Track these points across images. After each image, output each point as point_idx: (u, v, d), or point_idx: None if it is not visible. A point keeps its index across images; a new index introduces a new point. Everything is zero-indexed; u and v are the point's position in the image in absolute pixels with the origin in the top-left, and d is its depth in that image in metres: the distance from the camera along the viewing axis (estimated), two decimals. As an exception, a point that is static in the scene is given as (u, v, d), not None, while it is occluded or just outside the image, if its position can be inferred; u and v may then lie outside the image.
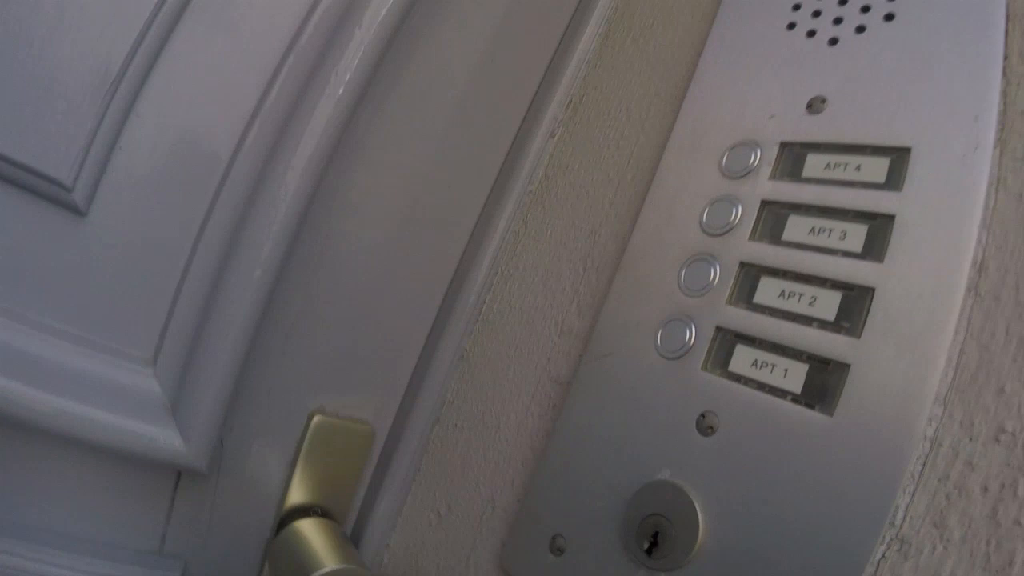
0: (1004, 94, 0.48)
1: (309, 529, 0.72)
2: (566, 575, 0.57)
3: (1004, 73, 0.48)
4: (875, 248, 0.48)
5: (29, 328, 0.59)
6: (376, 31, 0.66)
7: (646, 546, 0.51)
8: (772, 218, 0.54)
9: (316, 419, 0.74)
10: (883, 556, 0.44)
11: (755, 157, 0.55)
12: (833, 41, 0.56)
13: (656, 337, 0.56)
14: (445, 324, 0.79)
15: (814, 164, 0.53)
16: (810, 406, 0.47)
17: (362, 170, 0.71)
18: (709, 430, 0.51)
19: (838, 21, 0.56)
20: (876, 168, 0.49)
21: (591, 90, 0.79)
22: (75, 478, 0.64)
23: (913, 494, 0.44)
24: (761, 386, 0.49)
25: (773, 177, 0.54)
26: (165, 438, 0.63)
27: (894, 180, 0.48)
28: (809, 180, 0.52)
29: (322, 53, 0.66)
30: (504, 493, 0.68)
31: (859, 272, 0.48)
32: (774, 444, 0.48)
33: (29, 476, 0.63)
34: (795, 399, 0.47)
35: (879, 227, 0.48)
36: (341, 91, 0.65)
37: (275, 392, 0.71)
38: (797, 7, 0.59)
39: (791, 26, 0.59)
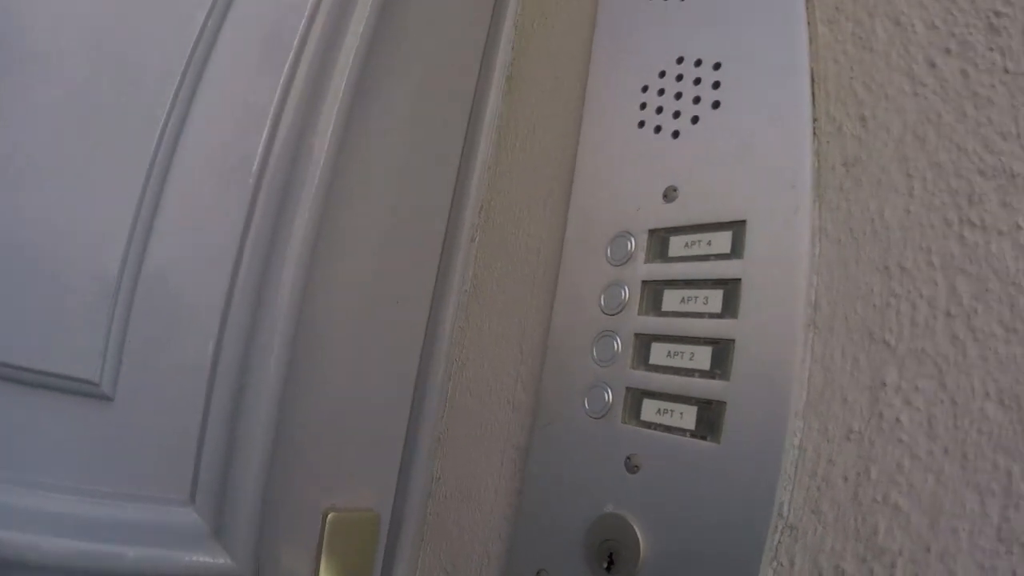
0: (817, 153, 0.54)
1: None
2: None
3: (815, 134, 0.54)
4: (730, 307, 0.55)
5: (86, 497, 0.67)
6: (320, 180, 0.76)
7: (605, 565, 0.59)
8: (651, 294, 0.61)
9: (330, 516, 0.81)
10: (779, 541, 0.51)
11: (631, 245, 0.63)
12: (675, 134, 0.62)
13: (584, 402, 0.64)
14: (420, 414, 0.86)
15: (676, 244, 0.60)
16: (703, 438, 0.55)
17: (323, 299, 0.79)
18: (635, 468, 0.59)
19: (676, 115, 0.63)
20: (722, 241, 0.56)
21: (496, 194, 0.86)
22: None
23: (792, 491, 0.51)
24: (666, 428, 0.57)
25: (647, 260, 0.62)
26: (215, 559, 0.71)
27: (737, 249, 0.55)
28: (674, 259, 0.60)
29: (280, 204, 0.74)
30: (495, 544, 0.75)
31: (721, 328, 0.55)
32: (682, 472, 0.56)
33: None
34: (692, 434, 0.56)
35: (731, 289, 0.55)
36: (300, 250, 0.75)
37: (294, 502, 0.78)
38: (644, 105, 0.66)
39: (641, 124, 0.66)
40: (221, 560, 0.72)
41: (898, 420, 0.47)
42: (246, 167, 0.74)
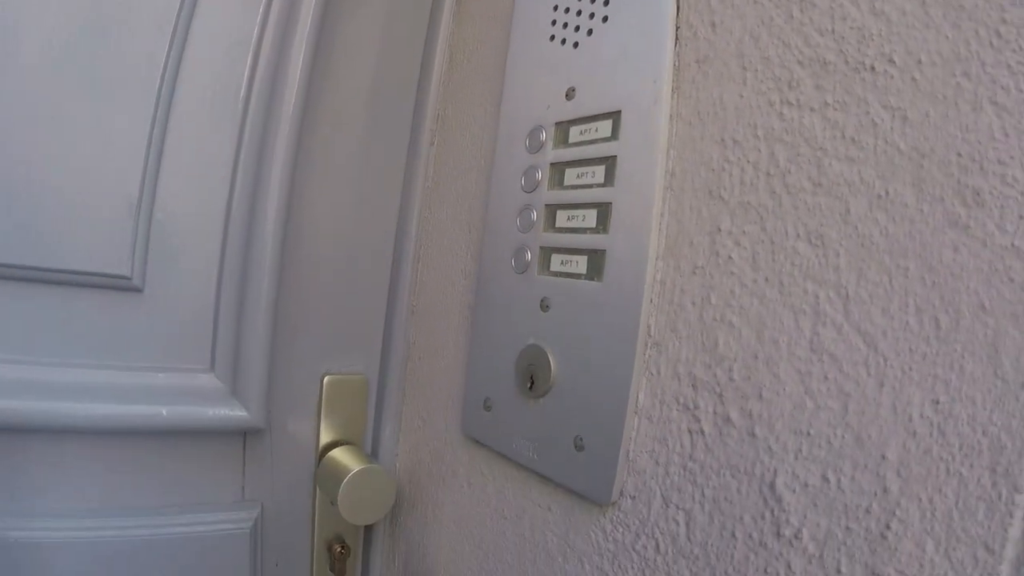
0: (677, 54, 0.58)
1: (340, 454, 0.88)
2: (496, 420, 0.73)
3: (677, 38, 0.58)
4: (610, 178, 0.60)
5: (125, 371, 0.77)
6: (296, 100, 0.83)
7: (529, 385, 0.67)
8: (557, 174, 0.67)
9: (327, 379, 0.91)
10: (648, 356, 0.58)
11: (543, 136, 0.69)
12: (575, 44, 0.66)
13: (511, 261, 0.72)
14: (396, 291, 0.95)
15: (574, 133, 0.65)
16: (592, 279, 0.61)
17: (308, 199, 0.87)
18: (547, 308, 0.66)
19: (577, 29, 0.66)
20: (605, 128, 0.61)
21: (449, 104, 0.92)
22: (177, 460, 0.82)
23: (656, 315, 0.58)
24: (568, 275, 0.64)
25: (554, 147, 0.67)
26: (234, 412, 0.81)
27: (615, 133, 0.60)
28: (573, 144, 0.65)
29: (264, 124, 0.81)
30: (456, 388, 0.83)
31: (603, 195, 0.61)
32: (579, 307, 0.63)
33: (138, 465, 0.80)
34: (584, 277, 0.62)
35: (611, 165, 0.60)
36: (284, 160, 0.81)
37: (296, 367, 0.88)
38: (554, 22, 0.69)
39: (552, 38, 0.69)
40: (239, 412, 0.81)
41: (730, 257, 0.53)
42: (235, 94, 0.81)
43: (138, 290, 0.77)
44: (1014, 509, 0.36)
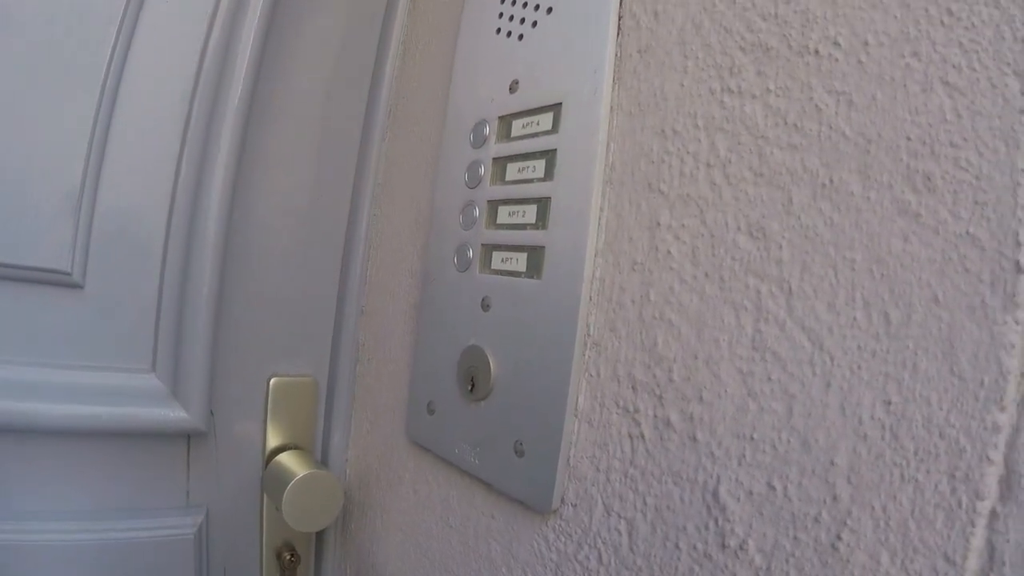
0: (619, 44, 0.56)
1: (287, 459, 0.85)
2: (439, 424, 0.71)
3: (619, 29, 0.57)
4: (550, 172, 0.59)
5: (65, 370, 0.74)
6: (241, 98, 0.80)
7: (469, 388, 0.64)
8: (499, 168, 0.65)
9: (273, 381, 0.87)
10: (587, 356, 0.56)
11: (487, 130, 0.67)
12: (520, 37, 0.65)
13: (454, 259, 0.69)
14: (345, 292, 0.92)
15: (517, 126, 0.63)
16: (531, 277, 0.60)
17: (254, 197, 0.84)
18: (488, 307, 0.64)
19: (522, 21, 0.65)
20: (546, 121, 0.60)
21: (401, 99, 0.90)
22: (117, 462, 0.79)
23: (595, 314, 0.56)
24: (508, 272, 0.62)
25: (498, 141, 0.66)
26: (174, 414, 0.78)
27: (556, 126, 0.59)
28: (515, 138, 0.63)
29: (210, 118, 0.78)
30: (401, 391, 0.81)
31: (543, 190, 0.59)
32: (519, 306, 0.61)
33: (76, 468, 0.77)
34: (524, 275, 0.60)
35: (550, 159, 0.59)
36: (227, 158, 0.79)
37: (240, 368, 0.85)
38: (500, 15, 0.68)
39: (498, 31, 0.68)
40: (179, 414, 0.78)
41: (669, 252, 0.51)
42: (182, 87, 0.78)
43: (78, 286, 0.74)
44: (975, 517, 0.34)
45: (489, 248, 0.66)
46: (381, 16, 0.94)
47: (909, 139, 0.38)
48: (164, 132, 0.78)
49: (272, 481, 0.85)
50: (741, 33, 0.48)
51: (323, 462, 0.94)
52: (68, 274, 0.74)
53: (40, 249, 0.72)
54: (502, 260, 0.64)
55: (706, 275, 0.48)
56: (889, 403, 0.38)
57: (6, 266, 0.70)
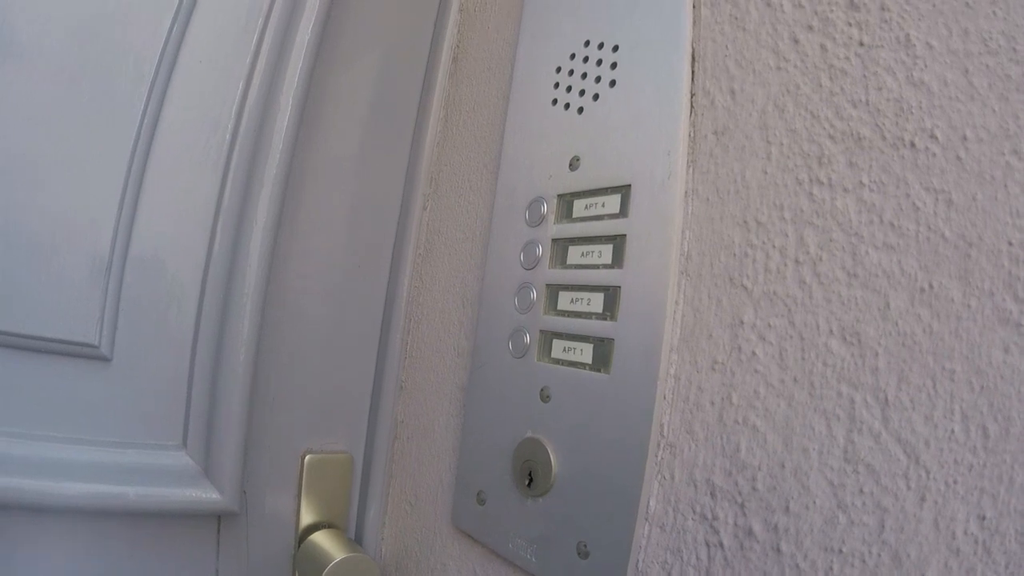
0: (692, 124, 0.55)
1: (321, 539, 0.82)
2: (488, 515, 0.69)
3: (692, 107, 0.55)
4: (618, 259, 0.57)
5: (91, 446, 0.71)
6: (280, 163, 0.78)
7: (527, 482, 0.62)
8: (559, 250, 0.64)
9: (308, 458, 0.85)
10: (661, 457, 0.54)
11: (544, 208, 0.65)
12: (580, 110, 0.64)
13: (508, 344, 0.68)
14: (384, 365, 0.90)
15: (578, 207, 0.62)
16: (598, 370, 0.58)
17: (292, 267, 0.83)
18: (548, 398, 0.62)
19: (582, 93, 0.64)
20: (613, 203, 0.58)
21: (444, 167, 0.88)
22: (143, 542, 0.76)
23: (670, 414, 0.54)
24: (571, 363, 0.61)
25: (557, 221, 0.64)
26: (207, 495, 0.75)
27: (624, 209, 0.57)
28: (577, 219, 0.62)
29: (247, 184, 0.77)
30: (447, 474, 0.78)
31: (611, 277, 0.57)
32: (583, 400, 0.59)
33: (101, 548, 0.75)
34: (589, 367, 0.59)
35: (619, 244, 0.57)
36: (266, 221, 0.77)
37: (273, 445, 0.82)
38: (557, 85, 0.67)
39: (554, 102, 0.67)
40: (211, 495, 0.76)
41: (754, 353, 0.49)
42: (217, 149, 0.77)
43: (106, 359, 0.72)
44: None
45: (548, 335, 0.64)
46: (421, 80, 0.93)
47: (1011, 244, 0.37)
48: (197, 198, 0.77)
49: (307, 563, 0.83)
50: (830, 120, 0.47)
51: (357, 540, 0.92)
52: (95, 347, 0.72)
53: (66, 320, 0.70)
54: (564, 349, 0.62)
55: (795, 380, 0.46)
56: (983, 518, 0.37)
57: (29, 337, 0.69)
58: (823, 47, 0.48)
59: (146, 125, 0.73)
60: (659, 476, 0.54)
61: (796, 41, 0.50)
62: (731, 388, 0.50)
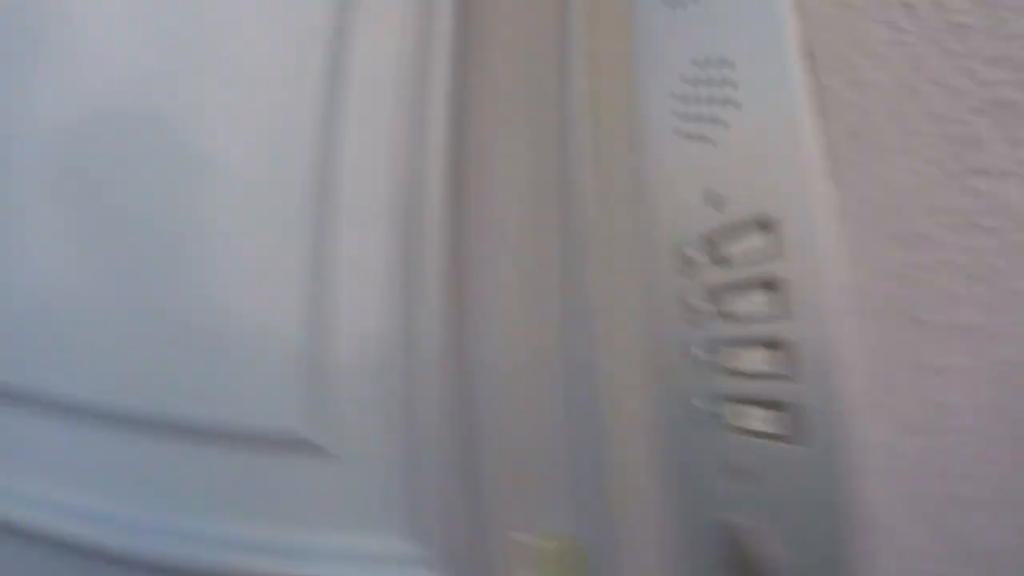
0: (826, 131, 0.48)
1: None
2: None
3: (819, 111, 0.49)
4: (783, 306, 0.50)
5: (310, 532, 0.75)
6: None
7: None
8: (714, 299, 0.56)
9: (527, 541, 0.81)
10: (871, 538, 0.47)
11: (687, 252, 0.58)
12: (707, 139, 0.57)
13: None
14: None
15: (725, 248, 0.55)
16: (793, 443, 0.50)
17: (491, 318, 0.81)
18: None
19: (705, 119, 0.57)
20: (763, 240, 0.51)
21: None
22: None
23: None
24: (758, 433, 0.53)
25: (706, 266, 0.57)
26: None
27: (778, 247, 0.50)
28: (725, 263, 0.55)
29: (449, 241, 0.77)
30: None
31: (778, 328, 0.50)
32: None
33: None
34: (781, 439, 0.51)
35: (783, 288, 0.50)
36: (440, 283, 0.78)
37: (491, 529, 0.81)
38: (672, 111, 0.61)
39: (677, 132, 0.60)
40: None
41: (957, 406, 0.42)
42: (396, 211, 0.78)
43: (320, 448, 0.76)
44: None
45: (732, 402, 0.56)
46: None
47: None
48: (385, 262, 0.78)
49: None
50: (970, 89, 0.40)
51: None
52: (308, 440, 0.75)
53: (273, 411, 0.75)
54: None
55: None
56: None
57: (241, 430, 0.74)
58: (937, 3, 0.42)
59: (323, 198, 0.78)
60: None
61: (908, 5, 0.44)
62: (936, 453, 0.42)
